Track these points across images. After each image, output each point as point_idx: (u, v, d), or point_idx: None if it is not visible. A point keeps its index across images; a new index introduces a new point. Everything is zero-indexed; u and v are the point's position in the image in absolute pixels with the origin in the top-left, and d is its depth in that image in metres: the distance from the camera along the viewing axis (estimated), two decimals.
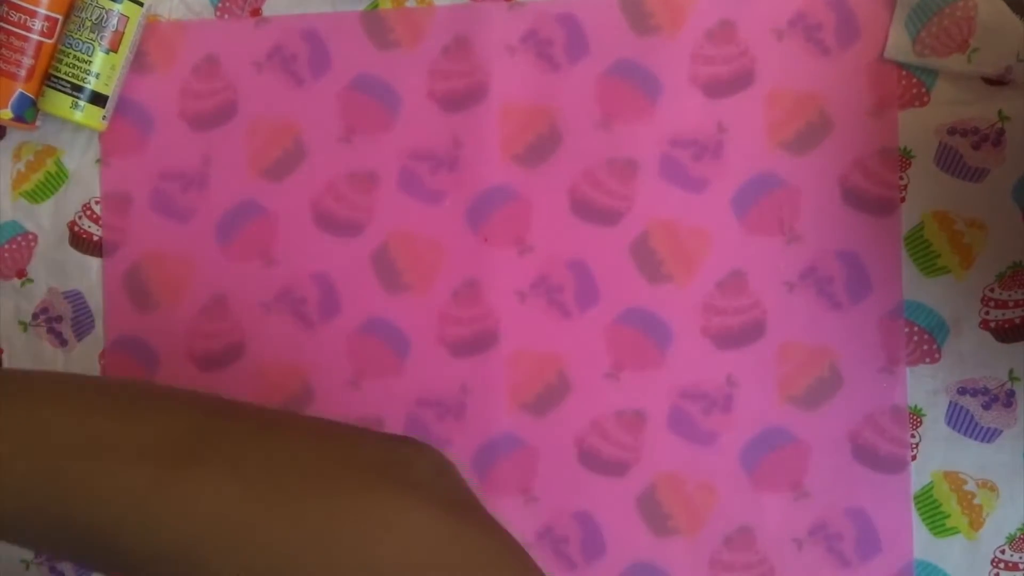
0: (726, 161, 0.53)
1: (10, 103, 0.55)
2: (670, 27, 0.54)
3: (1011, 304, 0.51)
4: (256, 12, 0.56)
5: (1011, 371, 0.51)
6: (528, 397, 0.54)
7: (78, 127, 0.57)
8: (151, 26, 0.57)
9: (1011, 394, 0.51)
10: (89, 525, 0.31)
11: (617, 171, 0.54)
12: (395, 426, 0.55)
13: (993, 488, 0.52)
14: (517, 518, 0.54)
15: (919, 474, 0.52)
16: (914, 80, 0.52)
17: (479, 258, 0.55)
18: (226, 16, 0.57)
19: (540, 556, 0.54)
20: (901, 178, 0.52)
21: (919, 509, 0.52)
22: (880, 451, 0.52)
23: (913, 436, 0.52)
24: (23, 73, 0.55)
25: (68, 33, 0.54)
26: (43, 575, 0.58)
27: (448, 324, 0.55)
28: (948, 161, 0.52)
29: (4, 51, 0.54)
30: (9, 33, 0.54)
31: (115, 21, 0.54)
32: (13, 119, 0.55)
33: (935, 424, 0.52)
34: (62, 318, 0.58)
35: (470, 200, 0.55)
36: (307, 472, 0.33)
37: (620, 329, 0.54)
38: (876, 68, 0.52)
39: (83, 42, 0.54)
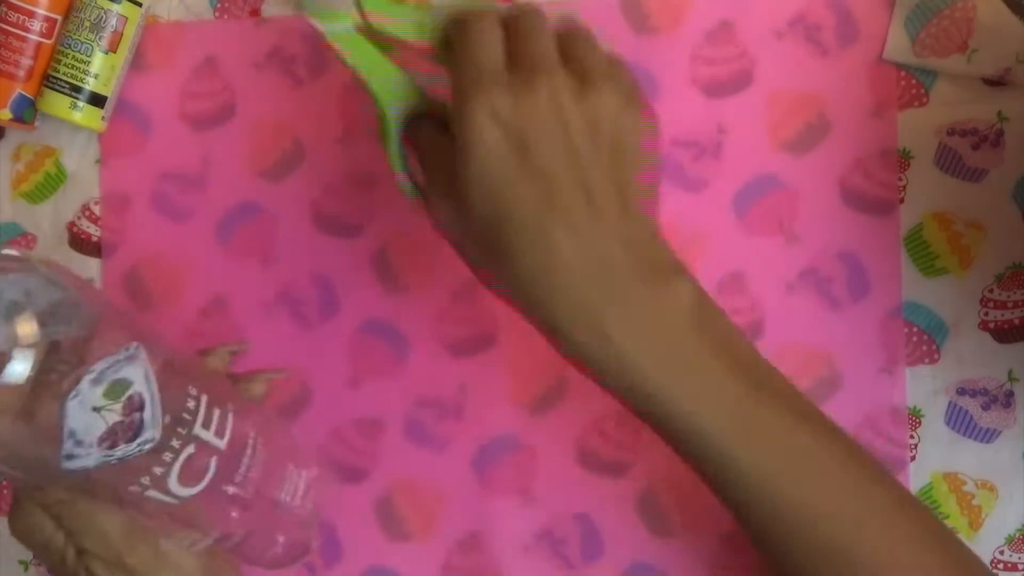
0: (726, 162, 0.53)
1: (9, 103, 0.55)
2: (669, 28, 0.53)
3: (1010, 305, 0.51)
4: (255, 12, 0.56)
5: (1010, 372, 0.51)
6: (527, 398, 0.54)
7: (77, 128, 0.56)
8: (150, 27, 0.57)
9: (1010, 395, 0.51)
10: None
11: None
12: (394, 427, 0.55)
13: (992, 489, 0.52)
14: (516, 519, 0.54)
15: (918, 475, 0.52)
16: (913, 81, 0.52)
17: None
18: (225, 16, 0.57)
19: (539, 557, 0.54)
20: (900, 179, 0.52)
21: None
22: (879, 452, 0.52)
23: (912, 437, 0.52)
24: (22, 73, 0.55)
25: (67, 33, 0.54)
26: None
27: (447, 324, 0.55)
28: (947, 162, 0.52)
29: (3, 51, 0.54)
30: (8, 33, 0.54)
31: (114, 21, 0.54)
32: (12, 119, 0.55)
33: (934, 425, 0.52)
34: None
35: None
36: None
37: None
38: (875, 69, 0.52)
39: (82, 42, 0.54)
